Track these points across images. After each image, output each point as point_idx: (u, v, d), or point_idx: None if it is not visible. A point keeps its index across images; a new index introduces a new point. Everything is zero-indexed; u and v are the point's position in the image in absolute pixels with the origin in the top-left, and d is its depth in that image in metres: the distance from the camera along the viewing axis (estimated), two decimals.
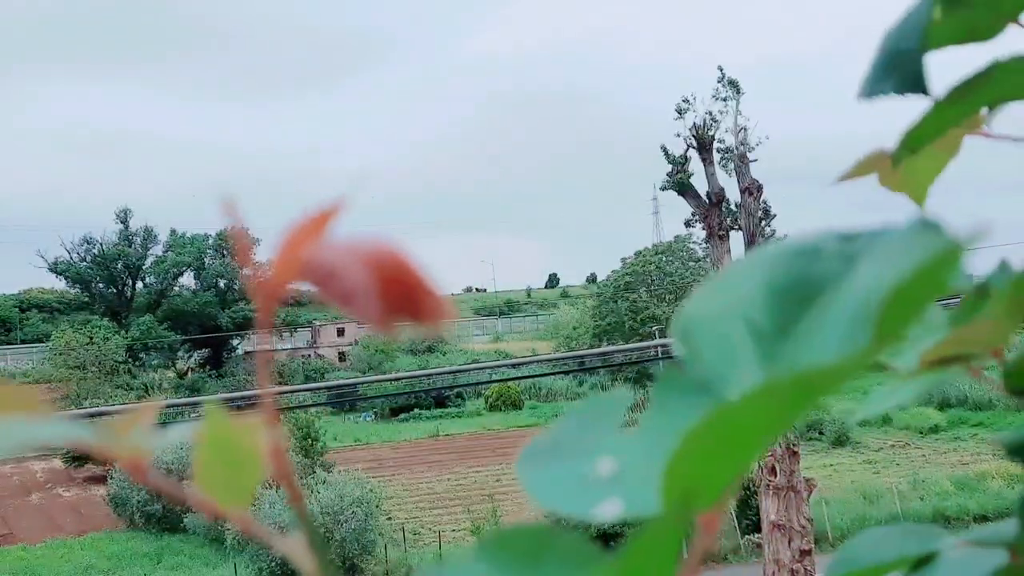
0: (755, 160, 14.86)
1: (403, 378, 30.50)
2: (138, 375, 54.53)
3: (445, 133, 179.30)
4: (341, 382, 39.51)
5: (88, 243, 62.42)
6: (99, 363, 50.43)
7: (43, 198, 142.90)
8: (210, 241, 63.23)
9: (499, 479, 33.60)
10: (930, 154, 0.60)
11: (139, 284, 64.10)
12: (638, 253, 53.81)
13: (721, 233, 14.96)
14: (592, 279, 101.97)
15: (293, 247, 0.31)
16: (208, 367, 60.19)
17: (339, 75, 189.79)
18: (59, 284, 66.61)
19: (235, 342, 62.73)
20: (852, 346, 0.28)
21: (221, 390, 49.93)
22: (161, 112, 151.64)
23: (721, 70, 17.08)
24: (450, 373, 26.58)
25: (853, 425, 37.33)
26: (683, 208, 16.10)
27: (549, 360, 25.57)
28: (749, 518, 24.36)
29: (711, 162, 15.46)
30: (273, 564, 24.74)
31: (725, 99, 16.47)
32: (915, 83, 0.46)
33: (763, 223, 15.31)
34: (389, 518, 30.16)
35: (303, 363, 61.37)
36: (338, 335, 68.27)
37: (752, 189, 14.39)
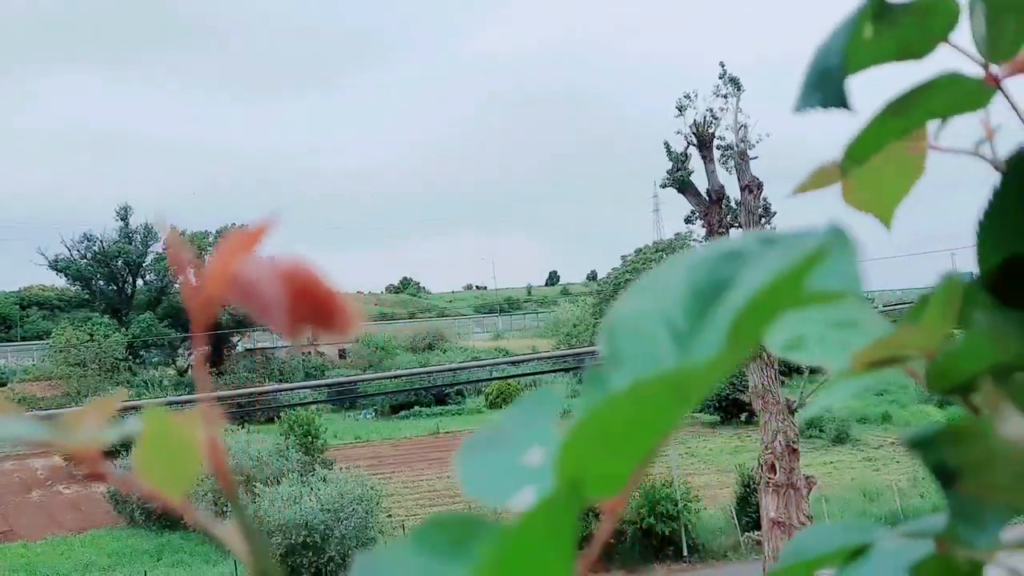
0: (755, 158, 14.86)
1: (403, 375, 30.54)
2: (138, 372, 54.54)
3: (445, 133, 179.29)
4: (341, 379, 39.50)
5: (88, 240, 62.42)
6: (99, 360, 50.45)
7: (43, 196, 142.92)
8: (211, 239, 63.17)
9: None
10: (895, 174, 0.62)
11: (139, 281, 64.09)
12: (639, 251, 53.79)
13: (721, 231, 14.98)
14: (592, 276, 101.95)
15: (224, 262, 0.35)
16: (208, 364, 60.19)
17: (339, 75, 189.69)
18: (59, 281, 66.63)
19: (235, 339, 62.74)
20: (714, 349, 0.30)
21: (220, 387, 49.95)
22: (161, 111, 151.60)
23: (722, 66, 17.06)
24: (451, 370, 26.61)
25: (853, 423, 37.39)
26: (683, 206, 16.12)
27: (550, 358, 25.61)
28: (749, 515, 24.38)
29: (711, 159, 15.46)
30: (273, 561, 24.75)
31: (726, 96, 16.45)
32: (838, 99, 0.48)
33: (763, 221, 15.32)
34: (389, 515, 30.18)
35: (303, 360, 61.37)
36: None
37: (752, 186, 14.39)
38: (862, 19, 0.48)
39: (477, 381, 50.65)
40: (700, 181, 15.45)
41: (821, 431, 36.66)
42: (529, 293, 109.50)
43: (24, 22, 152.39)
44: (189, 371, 60.03)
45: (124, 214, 63.70)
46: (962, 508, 0.44)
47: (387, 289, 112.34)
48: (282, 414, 36.69)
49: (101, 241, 62.52)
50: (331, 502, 26.00)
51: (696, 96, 16.46)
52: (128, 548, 29.77)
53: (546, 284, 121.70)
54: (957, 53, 0.50)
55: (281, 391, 33.96)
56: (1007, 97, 0.50)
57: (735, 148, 15.05)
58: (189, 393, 46.78)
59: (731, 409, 38.98)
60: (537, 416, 0.38)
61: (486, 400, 50.22)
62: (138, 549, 29.61)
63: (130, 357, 54.65)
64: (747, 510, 25.00)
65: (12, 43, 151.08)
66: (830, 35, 0.49)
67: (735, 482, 27.47)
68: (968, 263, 0.50)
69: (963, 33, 0.50)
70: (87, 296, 65.07)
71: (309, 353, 64.67)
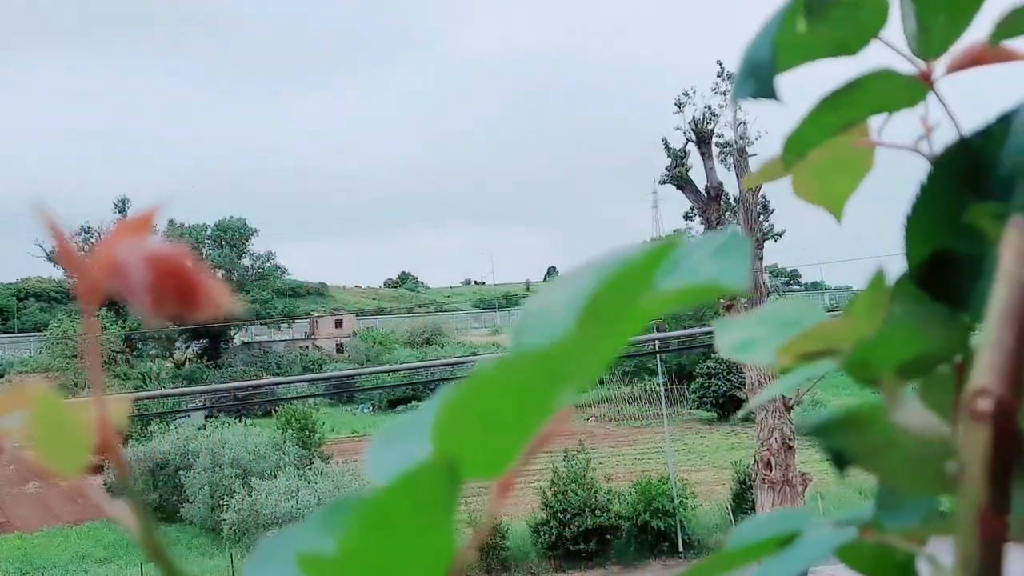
0: (754, 154, 14.88)
1: (401, 370, 30.58)
2: (136, 365, 54.59)
3: (445, 131, 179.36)
4: (339, 373, 39.55)
5: (86, 232, 62.41)
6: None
7: (41, 188, 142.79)
8: (208, 232, 63.19)
9: None
10: (842, 168, 0.63)
11: None
12: None
13: (720, 227, 14.99)
14: None
15: (108, 249, 0.36)
16: (206, 357, 60.24)
17: (339, 74, 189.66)
18: (57, 273, 66.61)
19: (233, 332, 62.78)
20: (566, 329, 0.32)
21: (218, 380, 50.00)
22: (161, 107, 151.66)
23: (721, 64, 17.09)
24: (448, 365, 26.62)
25: None
26: (682, 202, 16.16)
27: None
28: (745, 512, 24.42)
29: (710, 156, 15.47)
30: None
31: (724, 93, 16.45)
32: (768, 91, 0.49)
33: (762, 217, 15.33)
34: None
35: (301, 354, 61.45)
36: (336, 326, 68.27)
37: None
38: (793, 12, 0.48)
39: None
40: (699, 178, 15.47)
41: None
42: (527, 289, 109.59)
43: (21, 12, 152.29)
44: (186, 364, 60.07)
45: (122, 206, 63.72)
46: (884, 495, 0.45)
47: (385, 283, 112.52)
48: (279, 408, 36.71)
49: (99, 233, 62.52)
50: (328, 495, 26.06)
51: (695, 93, 16.47)
52: (124, 540, 29.81)
53: (544, 279, 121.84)
54: (892, 51, 0.50)
55: (278, 385, 33.98)
56: (936, 95, 0.51)
57: (734, 145, 15.07)
58: (187, 385, 46.81)
59: (728, 406, 39.08)
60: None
61: None
62: (134, 541, 29.65)
63: (127, 349, 54.69)
64: (743, 507, 25.05)
65: (10, 34, 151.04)
66: (762, 27, 0.50)
67: (731, 479, 27.52)
68: None
69: (896, 30, 0.50)
70: None
71: (307, 347, 64.70)
